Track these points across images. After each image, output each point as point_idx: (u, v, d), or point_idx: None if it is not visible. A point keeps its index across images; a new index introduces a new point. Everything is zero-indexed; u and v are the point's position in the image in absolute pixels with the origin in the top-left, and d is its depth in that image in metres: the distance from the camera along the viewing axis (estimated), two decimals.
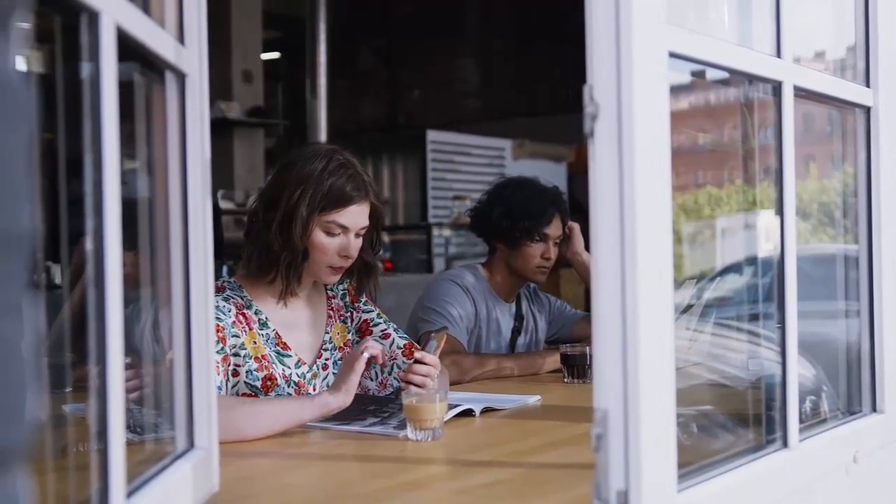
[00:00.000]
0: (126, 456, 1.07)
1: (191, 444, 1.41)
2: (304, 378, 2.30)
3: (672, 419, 1.25)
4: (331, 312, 2.42)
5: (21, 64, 0.60)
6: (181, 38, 1.39)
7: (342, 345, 2.41)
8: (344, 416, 2.06)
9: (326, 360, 2.37)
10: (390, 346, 2.39)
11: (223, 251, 5.03)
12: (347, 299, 2.46)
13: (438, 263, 7.54)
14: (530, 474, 1.68)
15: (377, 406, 2.20)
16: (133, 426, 1.34)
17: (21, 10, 0.60)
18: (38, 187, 0.61)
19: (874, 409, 1.86)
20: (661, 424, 1.23)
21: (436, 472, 1.75)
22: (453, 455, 1.84)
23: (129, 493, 1.11)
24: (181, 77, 1.39)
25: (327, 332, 2.39)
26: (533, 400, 2.41)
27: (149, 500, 1.16)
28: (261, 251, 2.24)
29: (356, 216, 2.25)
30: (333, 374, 2.35)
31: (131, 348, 1.14)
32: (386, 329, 2.44)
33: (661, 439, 1.22)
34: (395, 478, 1.68)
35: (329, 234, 2.23)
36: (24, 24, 0.61)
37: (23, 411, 0.59)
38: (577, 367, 2.71)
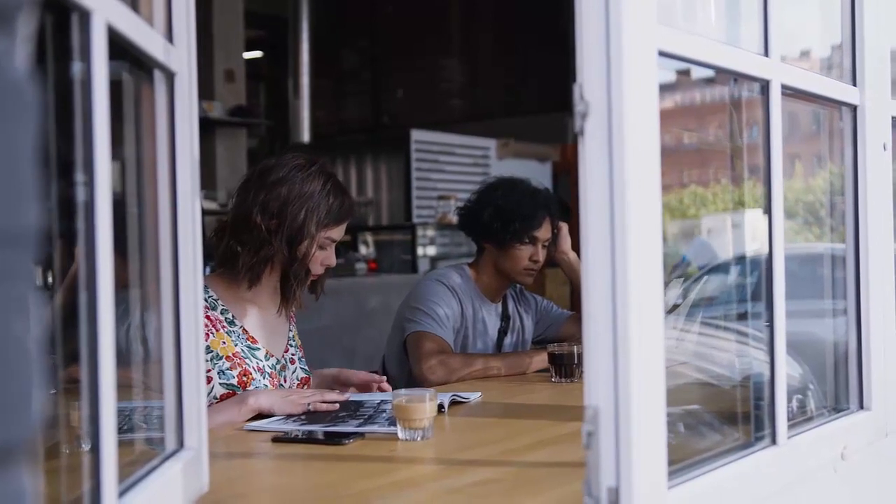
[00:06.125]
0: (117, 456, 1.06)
1: (180, 445, 1.41)
2: (275, 370, 2.40)
3: (662, 416, 1.25)
4: (291, 314, 2.55)
5: (26, 62, 0.60)
6: (170, 36, 1.39)
7: (300, 344, 2.56)
8: (330, 420, 2.06)
9: (293, 355, 2.50)
10: (293, 373, 2.51)
11: (205, 252, 5.03)
12: (294, 309, 2.59)
13: (423, 264, 7.52)
14: (521, 473, 1.68)
15: (352, 409, 2.19)
16: (122, 426, 1.34)
17: (27, 9, 0.60)
18: (43, 186, 0.62)
19: (861, 407, 1.87)
20: (652, 421, 1.23)
21: (426, 471, 1.75)
22: (443, 454, 1.84)
23: (121, 493, 1.11)
24: (170, 76, 1.39)
25: (291, 330, 2.53)
26: (474, 397, 2.42)
27: (140, 500, 1.16)
28: (263, 262, 2.33)
29: (344, 230, 2.43)
30: (301, 368, 2.50)
31: (118, 349, 1.14)
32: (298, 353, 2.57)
33: (651, 436, 1.23)
34: (386, 477, 1.67)
35: (321, 248, 2.37)
36: (29, 22, 0.61)
37: (30, 408, 0.59)
38: (565, 367, 2.71)
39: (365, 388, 2.48)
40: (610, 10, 1.19)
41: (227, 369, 2.27)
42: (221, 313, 2.34)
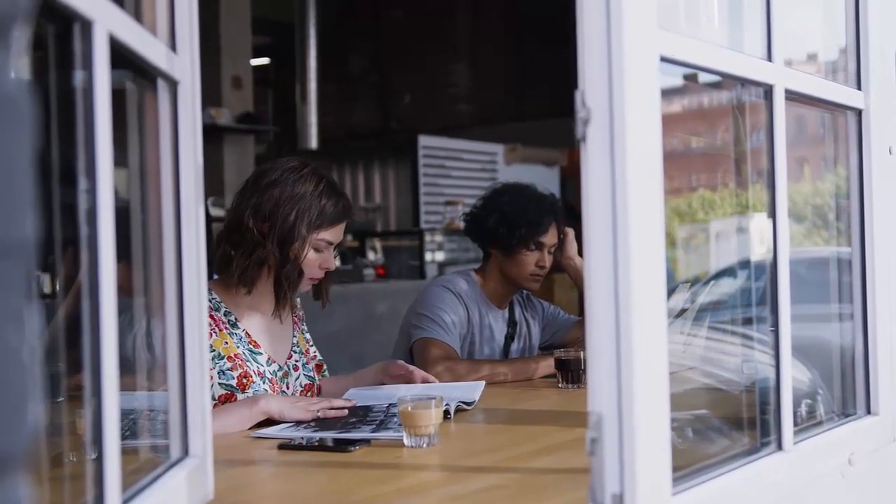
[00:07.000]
0: (121, 464, 1.06)
1: (185, 452, 1.41)
2: (276, 376, 2.40)
3: (666, 422, 1.25)
4: (295, 319, 2.55)
5: (22, 73, 0.61)
6: (173, 45, 1.39)
7: (305, 350, 2.54)
8: (341, 427, 2.06)
9: (296, 361, 2.49)
10: (296, 380, 2.51)
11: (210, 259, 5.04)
12: (301, 313, 2.60)
13: (430, 269, 7.52)
14: (526, 479, 1.68)
15: (362, 415, 2.19)
16: (126, 433, 1.34)
17: (22, 20, 0.61)
18: (39, 196, 0.62)
19: (868, 412, 1.86)
20: (656, 427, 1.23)
21: (432, 477, 1.75)
22: (449, 461, 1.84)
23: (125, 502, 1.11)
24: (173, 84, 1.39)
25: (294, 336, 2.52)
26: (479, 388, 2.47)
27: None
28: (256, 265, 2.33)
29: (341, 233, 2.42)
30: (305, 374, 2.49)
31: (125, 358, 1.14)
32: (315, 353, 2.60)
33: (655, 442, 1.23)
34: (391, 484, 1.67)
35: (316, 250, 2.37)
36: (24, 34, 0.61)
37: (25, 418, 0.60)
38: (571, 372, 2.70)
39: (408, 379, 2.51)
40: (611, 15, 1.19)
41: (228, 370, 2.27)
42: (224, 315, 2.34)
